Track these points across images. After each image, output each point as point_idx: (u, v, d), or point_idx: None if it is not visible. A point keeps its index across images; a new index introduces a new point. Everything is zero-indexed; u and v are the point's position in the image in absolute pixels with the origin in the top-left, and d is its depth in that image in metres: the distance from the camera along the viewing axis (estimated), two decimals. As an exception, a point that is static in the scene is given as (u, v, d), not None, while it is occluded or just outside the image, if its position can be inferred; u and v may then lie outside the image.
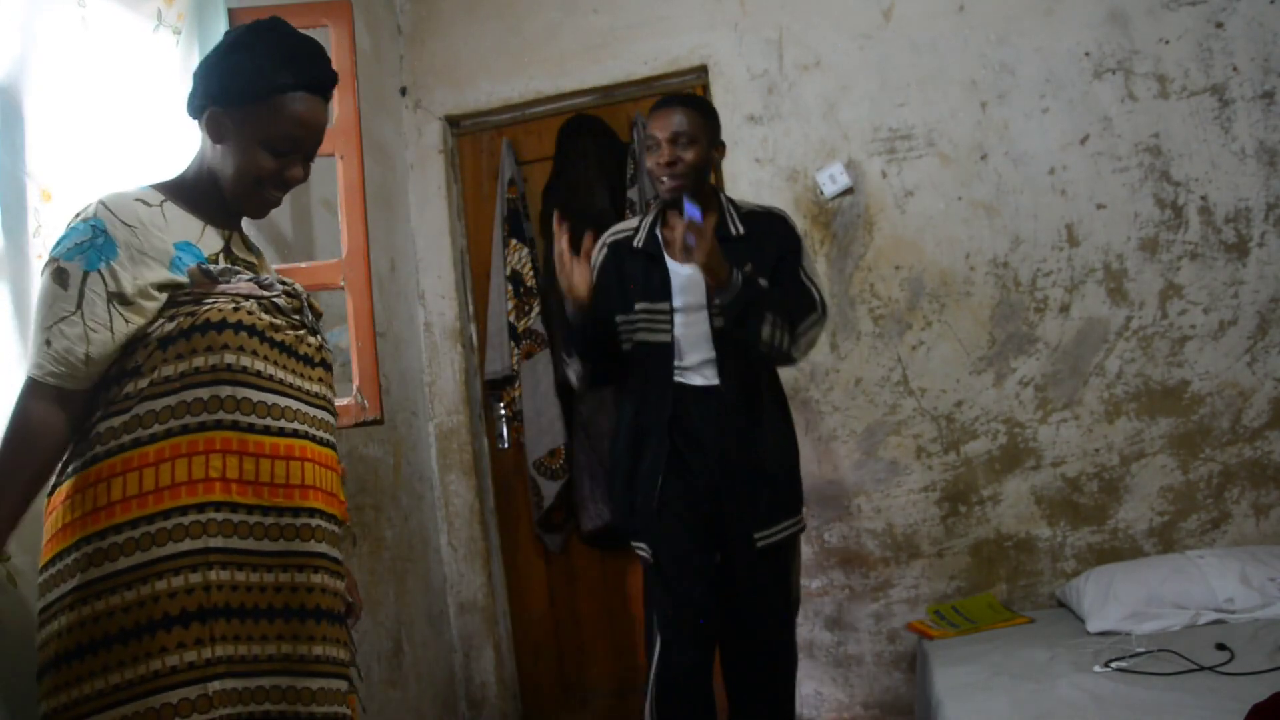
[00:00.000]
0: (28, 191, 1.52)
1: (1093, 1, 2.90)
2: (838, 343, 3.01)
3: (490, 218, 3.33)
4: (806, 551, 2.98)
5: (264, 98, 1.41)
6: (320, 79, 1.47)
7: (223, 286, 1.40)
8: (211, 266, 1.41)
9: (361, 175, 2.18)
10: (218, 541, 1.30)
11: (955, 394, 2.93)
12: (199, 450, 1.32)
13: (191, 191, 1.47)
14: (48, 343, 1.32)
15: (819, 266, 3.03)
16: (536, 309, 3.20)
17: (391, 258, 3.11)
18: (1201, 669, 1.99)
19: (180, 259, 1.40)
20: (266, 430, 1.36)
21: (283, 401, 1.39)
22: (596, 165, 3.17)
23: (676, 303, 2.20)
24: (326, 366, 1.49)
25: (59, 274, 1.34)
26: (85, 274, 1.33)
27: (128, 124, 1.86)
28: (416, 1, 3.39)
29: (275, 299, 1.44)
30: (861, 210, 3.01)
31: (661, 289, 2.21)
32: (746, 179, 3.08)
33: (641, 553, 2.25)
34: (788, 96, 3.08)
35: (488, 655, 3.18)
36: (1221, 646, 2.09)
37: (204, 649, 1.27)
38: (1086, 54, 2.90)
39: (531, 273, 3.21)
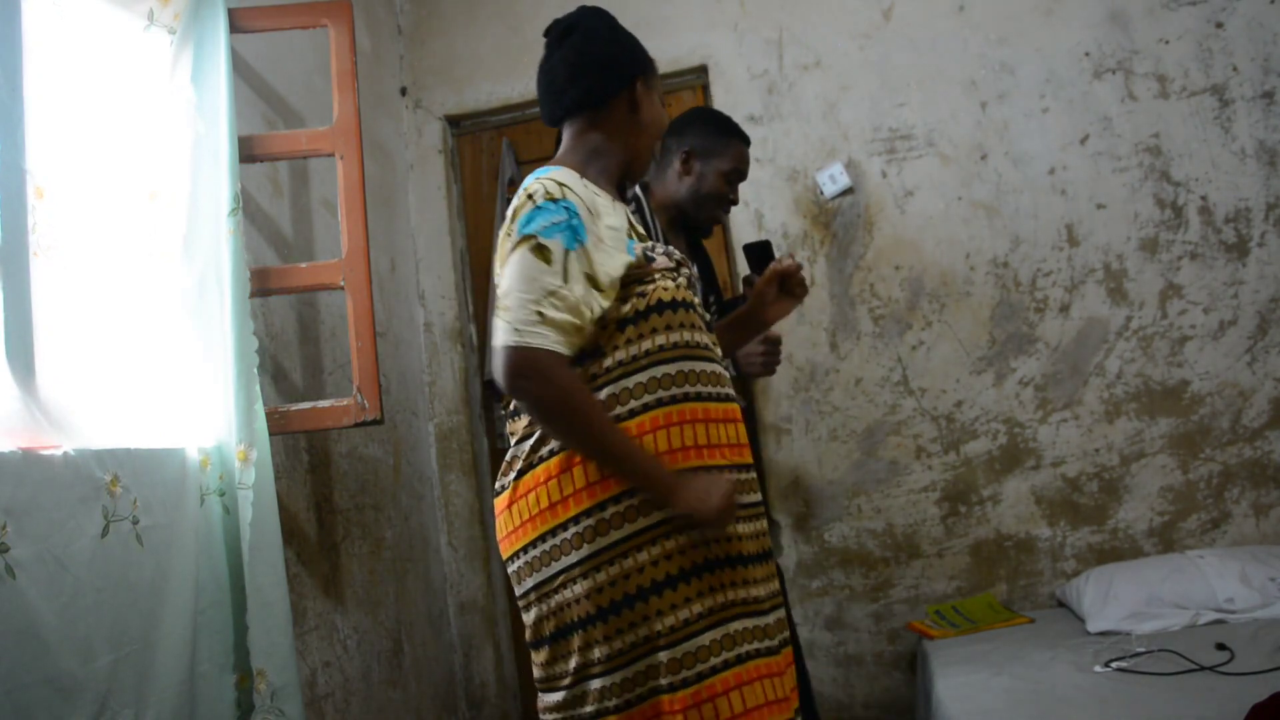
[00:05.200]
0: (27, 188, 1.52)
1: (1093, 1, 2.90)
2: (838, 343, 3.01)
3: (490, 218, 3.33)
4: (807, 551, 2.99)
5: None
6: None
7: (653, 265, 1.50)
8: (650, 250, 1.52)
9: (361, 175, 2.18)
10: None
11: (955, 394, 2.93)
12: (674, 422, 1.43)
13: (596, 169, 1.58)
14: (540, 314, 1.37)
15: (819, 267, 3.03)
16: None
17: (391, 258, 3.11)
18: (1201, 669, 1.99)
19: (631, 242, 1.51)
20: (715, 397, 1.48)
21: (715, 368, 1.51)
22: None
23: None
24: (711, 326, 1.60)
25: (540, 249, 1.39)
26: (566, 252, 1.40)
27: (118, 122, 1.86)
28: (416, 1, 3.40)
29: (683, 270, 1.56)
30: (861, 210, 3.01)
31: None
32: (747, 179, 3.07)
33: None
34: (788, 96, 3.08)
35: (488, 655, 3.17)
36: (1221, 646, 2.09)
37: (717, 595, 1.41)
38: (1086, 54, 2.90)
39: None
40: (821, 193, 3.03)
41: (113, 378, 1.74)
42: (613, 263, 1.45)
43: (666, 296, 1.46)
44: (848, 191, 3.02)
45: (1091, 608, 2.49)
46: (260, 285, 2.09)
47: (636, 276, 1.47)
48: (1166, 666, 2.04)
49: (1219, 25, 2.81)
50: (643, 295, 1.46)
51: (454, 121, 3.37)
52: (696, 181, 2.18)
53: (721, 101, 3.10)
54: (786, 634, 1.51)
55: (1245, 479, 2.74)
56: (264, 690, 1.80)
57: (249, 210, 2.24)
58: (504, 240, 1.46)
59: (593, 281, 1.42)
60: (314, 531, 2.35)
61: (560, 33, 1.62)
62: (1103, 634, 2.39)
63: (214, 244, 1.95)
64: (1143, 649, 2.16)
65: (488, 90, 3.30)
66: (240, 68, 2.27)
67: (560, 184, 1.46)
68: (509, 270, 1.41)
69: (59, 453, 1.46)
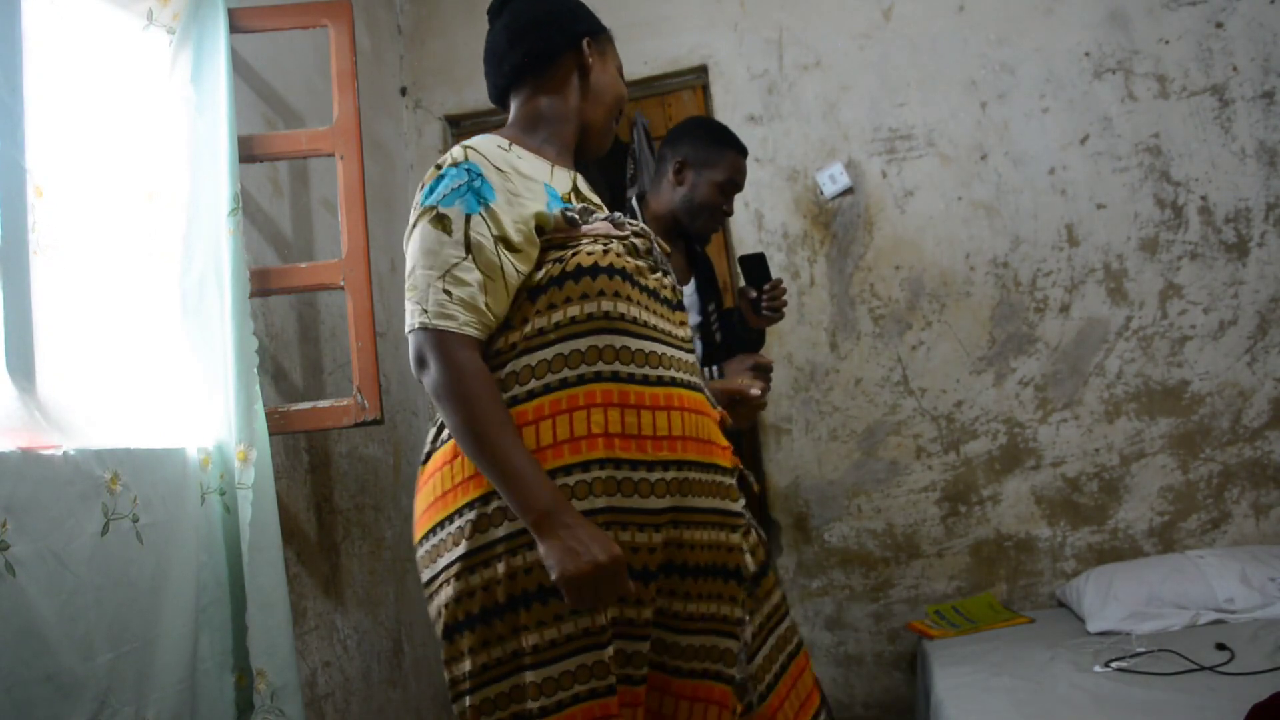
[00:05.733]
0: (27, 187, 1.52)
1: (1093, 1, 2.90)
2: (838, 343, 3.01)
3: (490, 218, 3.33)
4: (807, 551, 2.98)
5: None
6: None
7: (585, 228, 1.34)
8: (573, 210, 1.36)
9: (361, 175, 2.18)
10: (602, 501, 1.24)
11: (955, 394, 2.93)
12: (579, 405, 1.25)
13: (542, 136, 1.47)
14: (447, 292, 1.26)
15: (820, 266, 3.03)
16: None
17: (391, 258, 3.11)
18: (1201, 669, 1.99)
19: (552, 193, 1.37)
20: (645, 380, 1.29)
21: (659, 349, 1.32)
22: (596, 165, 3.17)
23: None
24: (684, 308, 1.44)
25: (440, 219, 1.28)
26: (467, 217, 1.28)
27: (118, 121, 1.86)
28: (416, 1, 3.40)
29: (634, 239, 1.37)
30: (861, 210, 3.01)
31: None
32: (747, 179, 3.07)
33: None
34: (788, 96, 3.08)
35: (487, 655, 3.17)
36: (1221, 646, 2.09)
37: (598, 615, 1.23)
38: (1086, 54, 2.90)
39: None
40: (821, 193, 3.03)
41: (112, 377, 1.74)
42: (525, 213, 1.31)
43: (587, 261, 1.29)
44: (848, 191, 3.02)
45: (1091, 608, 2.49)
46: (260, 285, 2.10)
47: (558, 241, 1.32)
48: (1166, 666, 2.04)
49: (1219, 25, 2.81)
50: (559, 261, 1.30)
51: (454, 121, 3.37)
52: (690, 191, 2.15)
53: (721, 101, 3.10)
54: (620, 671, 1.28)
55: (1245, 479, 2.74)
56: (264, 690, 1.80)
57: (249, 210, 2.24)
58: (410, 215, 1.36)
59: (506, 243, 1.29)
60: (314, 531, 2.35)
61: (500, 4, 1.54)
62: (1103, 634, 2.39)
63: (214, 244, 1.95)
64: (1143, 649, 2.15)
65: (488, 90, 3.29)
66: (240, 68, 2.27)
67: (466, 147, 1.35)
68: (411, 245, 1.32)
69: (59, 452, 1.46)
